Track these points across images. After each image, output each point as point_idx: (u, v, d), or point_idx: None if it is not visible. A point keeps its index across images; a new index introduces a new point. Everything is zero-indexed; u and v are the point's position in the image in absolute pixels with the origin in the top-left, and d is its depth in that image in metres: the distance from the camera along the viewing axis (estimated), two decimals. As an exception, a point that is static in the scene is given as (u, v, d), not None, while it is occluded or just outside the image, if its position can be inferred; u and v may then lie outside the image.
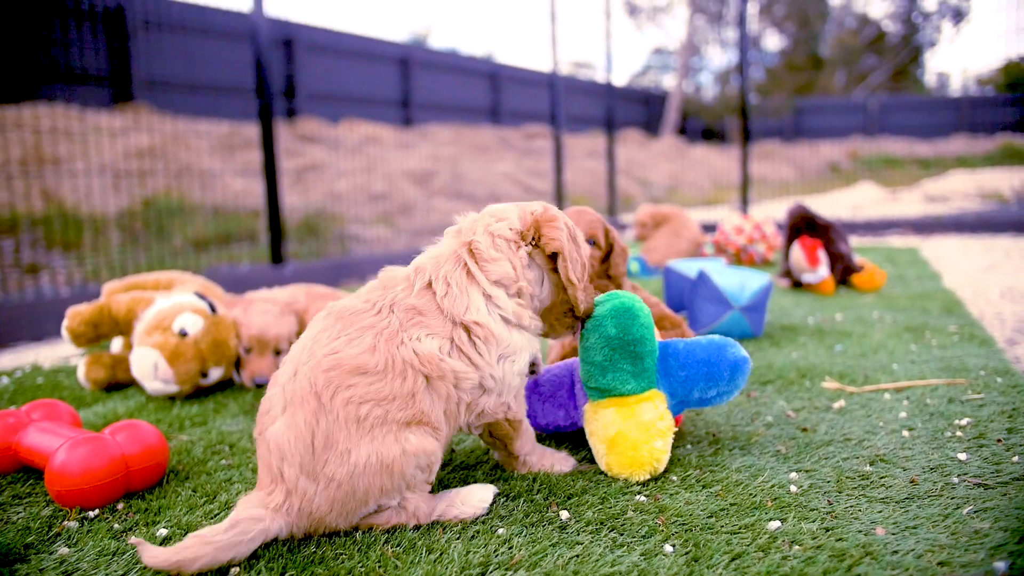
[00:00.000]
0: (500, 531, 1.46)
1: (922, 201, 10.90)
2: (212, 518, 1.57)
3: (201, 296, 2.69)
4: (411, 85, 16.02)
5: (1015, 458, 1.72)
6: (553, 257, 1.63)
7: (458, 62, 18.88)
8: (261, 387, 2.62)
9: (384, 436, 1.43)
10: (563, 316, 1.72)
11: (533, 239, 1.63)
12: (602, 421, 1.75)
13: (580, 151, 15.56)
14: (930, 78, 36.60)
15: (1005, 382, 2.32)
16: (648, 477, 1.69)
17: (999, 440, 1.84)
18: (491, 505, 1.58)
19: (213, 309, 2.65)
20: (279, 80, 13.13)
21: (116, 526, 1.55)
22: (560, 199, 9.08)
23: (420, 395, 1.47)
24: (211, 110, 10.25)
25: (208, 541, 1.30)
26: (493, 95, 18.83)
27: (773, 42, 34.32)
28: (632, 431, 1.70)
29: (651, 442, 1.69)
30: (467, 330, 1.54)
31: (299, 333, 2.81)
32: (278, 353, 2.72)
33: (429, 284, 1.56)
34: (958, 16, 32.15)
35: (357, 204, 8.81)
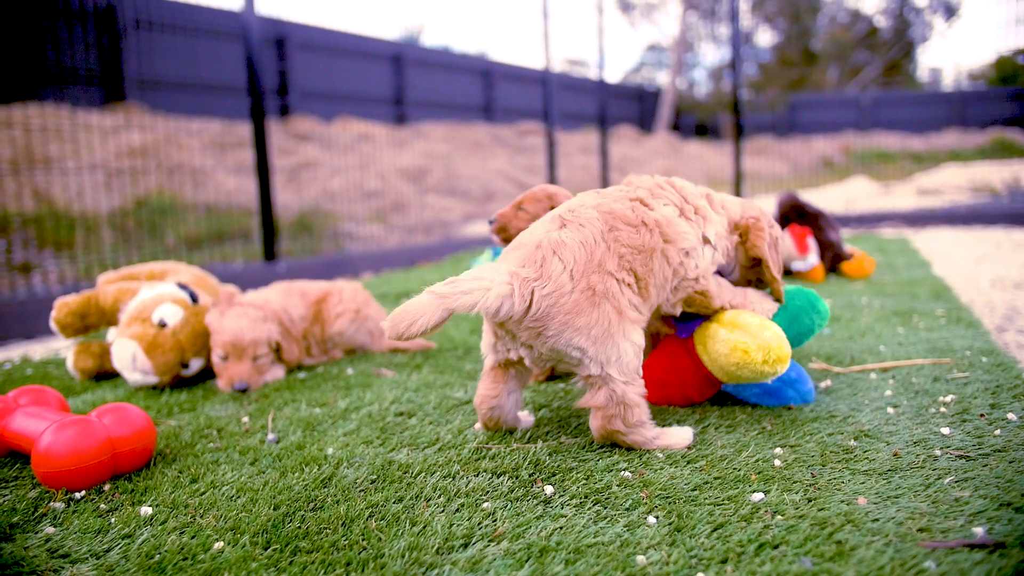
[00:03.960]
0: (485, 505, 1.47)
1: (915, 194, 10.92)
2: (200, 496, 1.57)
3: (183, 286, 2.63)
4: (404, 83, 16.02)
5: (997, 431, 1.73)
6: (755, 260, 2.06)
7: (451, 59, 18.89)
8: (244, 392, 2.44)
9: (622, 288, 1.73)
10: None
11: (741, 236, 2.03)
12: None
13: (573, 148, 15.56)
14: (922, 73, 36.75)
15: (990, 361, 2.33)
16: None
17: (982, 415, 1.85)
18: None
19: (195, 299, 2.60)
20: (272, 78, 13.12)
21: (102, 506, 1.55)
22: (553, 195, 9.07)
23: (657, 257, 1.79)
24: (203, 109, 10.24)
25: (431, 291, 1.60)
26: (486, 92, 18.83)
27: (766, 38, 34.39)
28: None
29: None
30: (695, 208, 1.93)
31: (282, 338, 2.66)
32: (256, 359, 2.52)
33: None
34: (949, 12, 32.25)
35: (351, 201, 8.80)
